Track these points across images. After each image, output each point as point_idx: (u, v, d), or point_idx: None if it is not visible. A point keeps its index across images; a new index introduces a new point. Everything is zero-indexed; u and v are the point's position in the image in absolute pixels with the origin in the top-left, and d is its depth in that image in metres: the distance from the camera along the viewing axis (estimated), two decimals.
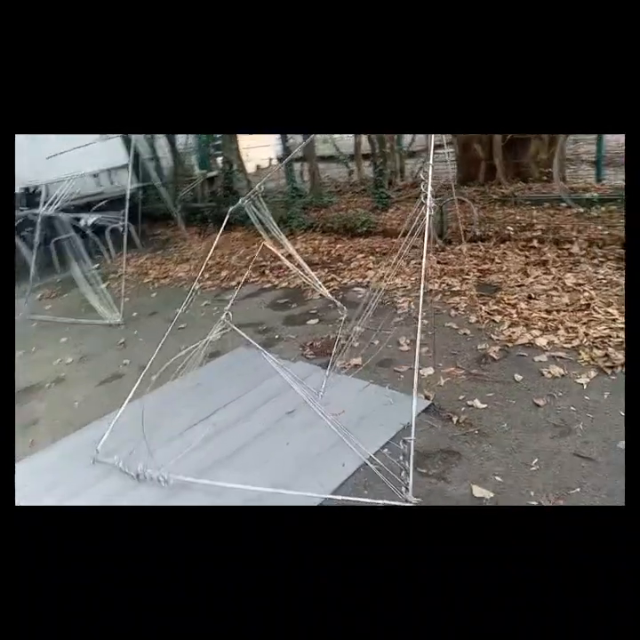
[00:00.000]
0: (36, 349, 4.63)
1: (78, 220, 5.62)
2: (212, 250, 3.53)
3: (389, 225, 6.13)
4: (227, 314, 2.99)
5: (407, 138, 7.70)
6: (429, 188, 2.11)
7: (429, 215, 2.14)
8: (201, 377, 3.61)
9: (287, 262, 3.66)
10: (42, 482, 2.69)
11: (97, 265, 7.45)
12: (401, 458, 1.97)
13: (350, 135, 7.99)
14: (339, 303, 3.93)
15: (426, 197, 2.12)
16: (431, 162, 2.17)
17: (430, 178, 2.17)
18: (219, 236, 3.54)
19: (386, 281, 4.80)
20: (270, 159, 13.48)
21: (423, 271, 2.21)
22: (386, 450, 2.48)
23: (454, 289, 4.33)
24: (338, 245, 6.13)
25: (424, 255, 2.13)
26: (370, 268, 5.21)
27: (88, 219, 6.43)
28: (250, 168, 11.00)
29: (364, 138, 7.65)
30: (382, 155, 6.60)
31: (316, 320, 4.21)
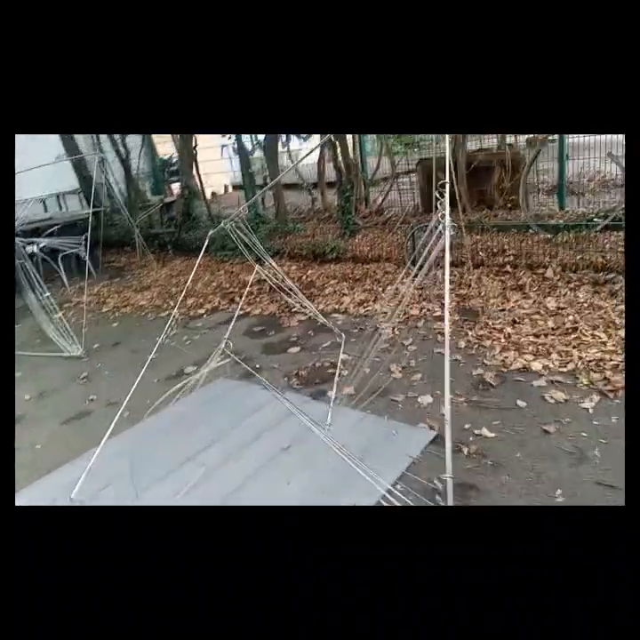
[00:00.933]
0: None
1: (31, 244, 5.24)
2: (192, 275, 3.32)
3: (359, 251, 6.08)
4: (226, 342, 2.78)
5: (371, 167, 7.77)
6: (448, 217, 2.02)
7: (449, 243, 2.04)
8: (181, 411, 3.34)
9: (279, 285, 3.47)
10: None
11: (47, 294, 7.01)
12: (437, 497, 1.81)
13: (313, 163, 7.97)
14: (336, 329, 3.79)
15: (444, 227, 2.02)
16: (447, 191, 2.08)
17: (447, 206, 2.08)
18: (199, 260, 3.34)
19: (365, 307, 4.71)
20: (225, 186, 13.35)
21: (447, 299, 2.09)
22: (399, 486, 2.32)
23: (436, 314, 4.27)
24: (309, 271, 6.00)
25: (446, 282, 2.01)
26: (345, 294, 5.10)
27: (39, 243, 6.04)
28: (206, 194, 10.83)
29: (328, 165, 7.66)
30: (350, 181, 6.59)
31: (297, 348, 4.03)
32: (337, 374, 3.32)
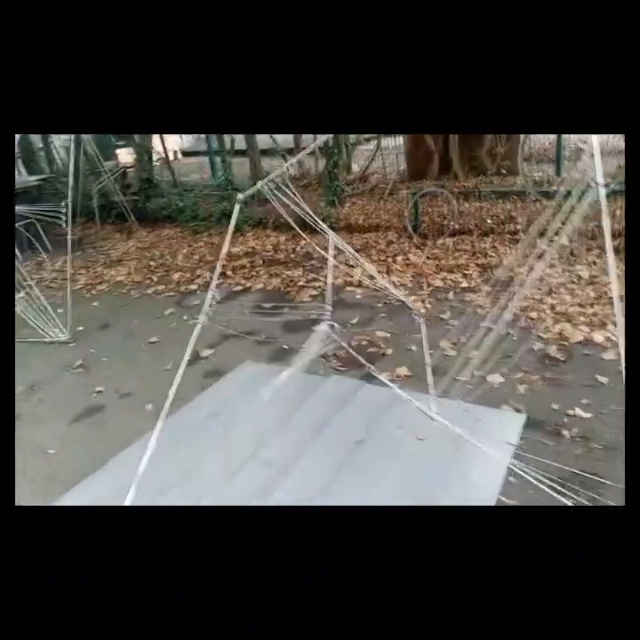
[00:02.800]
0: None
1: None
2: (225, 249, 2.86)
3: (354, 220, 5.73)
4: (339, 326, 2.42)
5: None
6: None
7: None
8: (211, 403, 2.93)
9: (331, 259, 3.09)
10: None
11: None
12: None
13: None
14: (414, 307, 3.46)
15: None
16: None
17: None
18: (230, 234, 2.89)
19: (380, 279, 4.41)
20: (175, 151, 12.46)
21: None
22: (511, 478, 2.08)
23: (462, 285, 4.04)
24: (302, 242, 5.59)
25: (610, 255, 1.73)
26: (351, 266, 4.76)
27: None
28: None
29: None
30: (337, 145, 6.17)
31: (323, 326, 3.68)
32: (426, 357, 3.00)
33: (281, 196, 3.09)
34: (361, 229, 5.59)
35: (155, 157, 8.00)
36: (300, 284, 4.56)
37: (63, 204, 3.83)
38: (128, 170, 8.20)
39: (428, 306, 3.76)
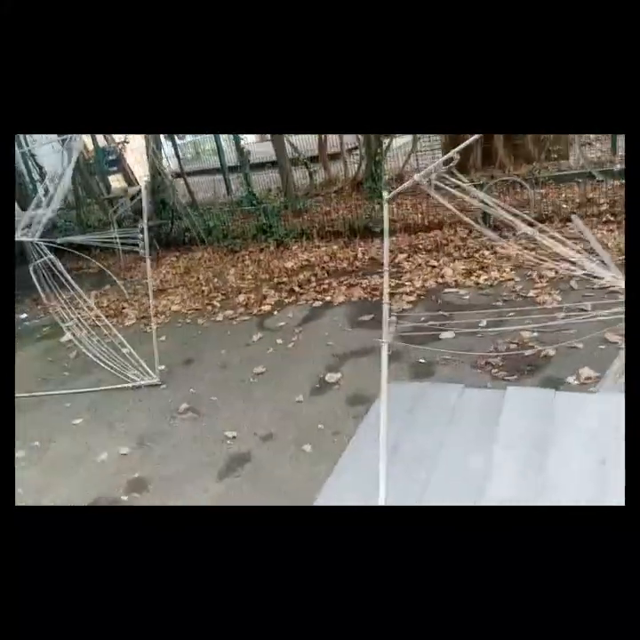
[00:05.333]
0: (45, 444, 3.05)
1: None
2: (386, 260, 2.47)
3: (411, 219, 5.40)
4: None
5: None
6: None
7: None
8: (375, 436, 2.50)
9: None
10: None
11: (24, 313, 5.63)
12: None
13: (305, 136, 7.14)
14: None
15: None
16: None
17: None
18: (386, 239, 2.49)
19: (477, 276, 4.06)
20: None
21: None
22: None
23: (578, 273, 3.72)
24: (358, 248, 5.23)
25: None
26: (433, 266, 4.41)
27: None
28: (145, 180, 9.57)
29: (331, 135, 6.86)
30: (379, 143, 5.85)
31: (449, 333, 3.30)
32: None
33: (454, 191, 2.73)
34: (422, 228, 5.26)
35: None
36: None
37: (139, 229, 3.37)
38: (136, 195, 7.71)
39: (558, 297, 3.43)
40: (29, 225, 3.70)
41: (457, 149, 2.94)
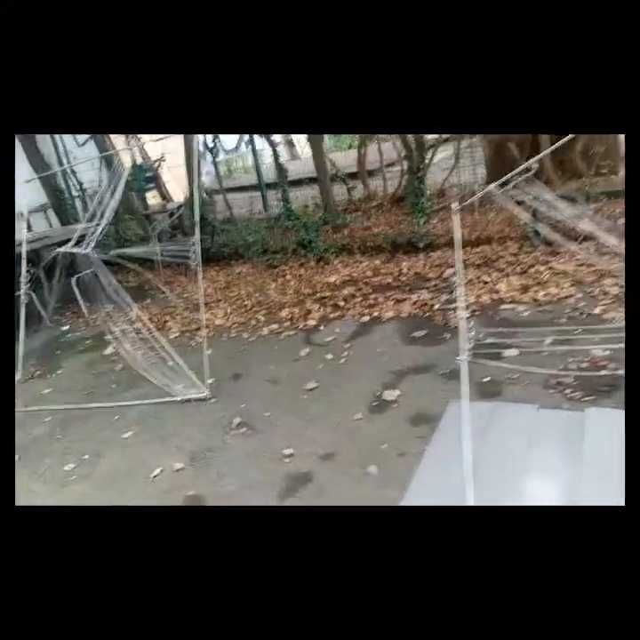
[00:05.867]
0: (95, 457, 2.98)
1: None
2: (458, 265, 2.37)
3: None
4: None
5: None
6: None
7: None
8: (445, 458, 2.36)
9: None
10: None
11: (66, 325, 5.64)
12: None
13: (352, 151, 7.11)
14: None
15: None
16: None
17: None
18: (458, 248, 2.40)
19: (534, 292, 3.91)
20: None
21: None
22: None
23: None
24: (403, 264, 5.12)
25: None
26: (486, 282, 4.27)
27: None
28: (178, 197, 9.70)
29: (368, 150, 6.83)
30: (422, 158, 5.77)
31: (515, 350, 3.14)
32: None
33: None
34: (469, 244, 5.13)
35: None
36: (436, 307, 4.05)
37: (191, 242, 3.32)
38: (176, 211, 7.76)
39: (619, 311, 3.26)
40: (83, 237, 3.69)
41: (535, 159, 2.82)
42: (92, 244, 3.70)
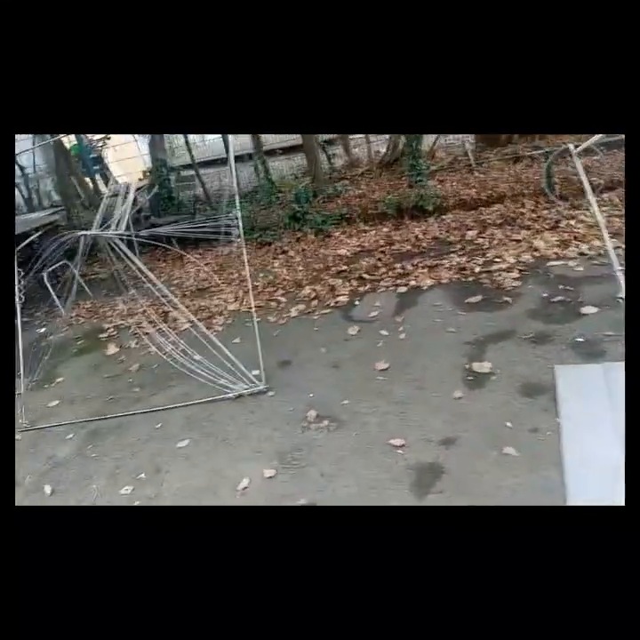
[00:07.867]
0: (154, 475, 2.54)
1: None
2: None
3: (465, 195, 5.06)
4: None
5: None
6: None
7: None
8: (587, 426, 2.14)
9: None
10: None
11: (42, 327, 4.97)
12: None
13: None
14: None
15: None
16: None
17: None
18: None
19: (576, 246, 3.75)
20: (143, 172, 11.26)
21: None
22: None
23: None
24: (416, 230, 4.85)
25: None
26: (518, 240, 4.08)
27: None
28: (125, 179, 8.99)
29: None
30: None
31: (593, 308, 2.96)
32: None
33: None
34: (482, 203, 4.93)
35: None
36: (478, 270, 3.81)
37: (233, 215, 2.87)
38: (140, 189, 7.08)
39: None
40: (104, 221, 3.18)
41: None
42: (123, 225, 3.15)
